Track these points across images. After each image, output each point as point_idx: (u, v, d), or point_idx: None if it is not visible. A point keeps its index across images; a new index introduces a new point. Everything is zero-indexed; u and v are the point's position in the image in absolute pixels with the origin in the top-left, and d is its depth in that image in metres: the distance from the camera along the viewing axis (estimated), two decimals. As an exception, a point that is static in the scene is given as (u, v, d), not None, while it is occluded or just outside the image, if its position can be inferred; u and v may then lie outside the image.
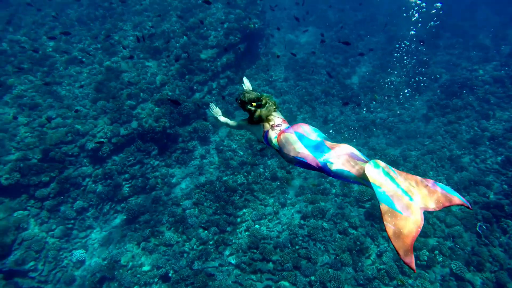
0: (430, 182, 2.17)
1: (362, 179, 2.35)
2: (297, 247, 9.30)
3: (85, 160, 10.68)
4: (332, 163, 2.51)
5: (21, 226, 9.20)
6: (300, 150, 2.74)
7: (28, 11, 14.34)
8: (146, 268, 9.37)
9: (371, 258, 8.97)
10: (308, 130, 2.87)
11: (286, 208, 10.71)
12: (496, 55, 17.18)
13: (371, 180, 2.17)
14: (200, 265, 9.20)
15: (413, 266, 1.86)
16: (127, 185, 11.08)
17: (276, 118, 3.19)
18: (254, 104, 3.16)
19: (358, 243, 9.13)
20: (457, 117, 13.78)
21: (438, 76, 16.41)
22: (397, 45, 18.31)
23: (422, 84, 15.99)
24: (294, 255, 9.03)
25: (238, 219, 10.32)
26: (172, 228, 10.19)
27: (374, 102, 15.82)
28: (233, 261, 9.25)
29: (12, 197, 9.47)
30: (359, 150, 2.66)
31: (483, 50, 18.17)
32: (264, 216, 10.39)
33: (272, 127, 3.10)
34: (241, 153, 12.57)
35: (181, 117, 12.49)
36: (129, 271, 9.32)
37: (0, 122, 10.31)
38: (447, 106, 14.42)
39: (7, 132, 10.14)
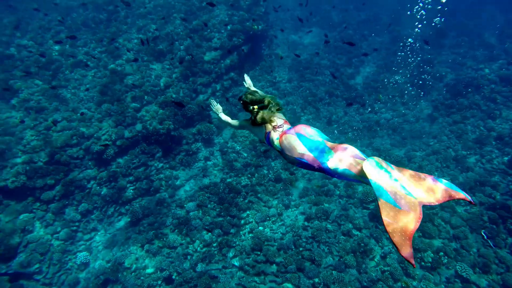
0: (430, 177, 2.16)
1: (362, 177, 2.38)
2: (300, 249, 9.27)
3: (90, 163, 10.78)
4: (333, 163, 2.53)
5: (26, 229, 9.31)
6: (302, 151, 2.76)
7: (35, 16, 14.54)
8: (149, 270, 9.42)
9: (375, 259, 8.91)
10: (309, 131, 2.88)
11: (290, 209, 10.69)
12: (502, 54, 16.98)
13: (369, 176, 2.19)
14: (203, 267, 9.21)
15: (413, 261, 1.87)
16: (132, 188, 11.16)
17: (278, 119, 3.20)
18: (256, 106, 3.17)
19: (362, 244, 9.07)
20: (463, 117, 13.63)
21: (443, 73, 16.27)
22: (401, 44, 18.20)
23: (427, 82, 15.86)
24: (297, 257, 9.00)
25: (242, 221, 10.32)
26: (176, 230, 10.22)
27: (378, 102, 15.73)
28: (236, 263, 9.25)
29: (18, 200, 9.59)
30: (363, 151, 2.67)
31: (489, 48, 17.96)
32: (268, 218, 10.38)
33: (274, 128, 3.11)
34: (245, 154, 12.58)
35: (185, 119, 12.55)
36: (132, 273, 9.37)
37: (7, 126, 10.45)
38: (452, 105, 14.29)
39: (14, 136, 10.28)
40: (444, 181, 2.14)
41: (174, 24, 14.61)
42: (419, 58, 17.16)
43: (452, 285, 8.15)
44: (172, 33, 14.18)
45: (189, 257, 9.59)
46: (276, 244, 9.48)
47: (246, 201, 10.85)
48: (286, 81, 17.22)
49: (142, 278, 9.22)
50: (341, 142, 2.71)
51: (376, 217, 9.79)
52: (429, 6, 15.45)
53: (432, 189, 2.11)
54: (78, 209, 10.25)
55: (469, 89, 14.53)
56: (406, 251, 1.87)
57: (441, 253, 8.72)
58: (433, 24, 18.75)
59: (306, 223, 10.03)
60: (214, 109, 3.83)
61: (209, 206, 10.73)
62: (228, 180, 11.51)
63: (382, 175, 2.18)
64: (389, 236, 1.94)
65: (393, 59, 18.18)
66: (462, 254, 8.70)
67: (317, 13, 24.22)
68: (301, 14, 17.79)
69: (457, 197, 2.08)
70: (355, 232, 9.59)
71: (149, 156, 11.65)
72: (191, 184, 11.85)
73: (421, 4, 15.86)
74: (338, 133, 14.22)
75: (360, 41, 20.71)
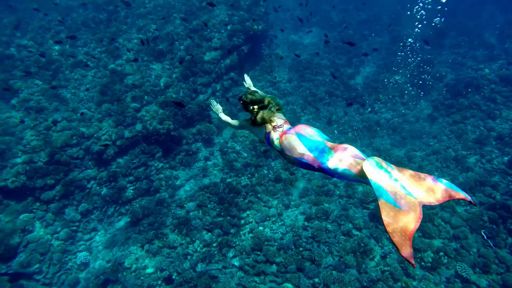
0: (430, 177, 2.16)
1: (362, 177, 2.38)
2: (300, 249, 9.27)
3: (90, 163, 10.78)
4: (333, 163, 2.53)
5: (26, 229, 9.31)
6: (302, 151, 2.76)
7: (35, 16, 14.54)
8: (149, 270, 9.42)
9: (375, 259, 8.91)
10: (309, 131, 2.88)
11: (290, 209, 10.69)
12: (502, 54, 16.98)
13: (369, 176, 2.19)
14: (203, 267, 9.21)
15: (413, 261, 1.87)
16: (132, 188, 11.16)
17: (278, 119, 3.19)
18: (256, 106, 3.16)
19: (362, 244, 9.07)
20: (463, 117, 13.63)
21: (443, 73, 16.27)
22: (401, 44, 18.19)
23: (427, 82, 15.86)
24: (297, 257, 9.00)
25: (242, 221, 10.32)
26: (176, 230, 10.22)
27: (378, 102, 15.73)
28: (236, 263, 9.25)
29: (18, 200, 9.59)
30: (363, 151, 2.67)
31: (489, 48, 17.95)
32: (268, 218, 10.38)
33: (274, 128, 3.11)
34: (245, 154, 12.58)
35: (185, 119, 12.55)
36: (132, 273, 9.37)
37: (7, 126, 10.45)
38: (452, 105, 14.29)
39: (14, 136, 10.28)
40: (444, 181, 2.14)
41: (174, 24, 14.61)
42: (419, 58, 17.15)
43: (452, 285, 8.15)
44: (172, 33, 14.18)
45: (189, 257, 9.58)
46: (276, 244, 9.48)
47: (246, 201, 10.85)
48: (286, 81, 17.22)
49: (142, 278, 9.22)
50: (341, 142, 2.72)
51: (376, 217, 9.79)
52: (429, 6, 15.45)
53: (432, 189, 2.12)
54: (78, 209, 10.25)
55: (469, 89, 14.53)
56: (406, 251, 1.87)
57: (441, 253, 8.72)
58: (433, 24, 18.75)
59: (306, 223, 10.03)
60: (214, 109, 3.83)
61: (209, 206, 10.73)
62: (228, 180, 11.50)
63: (382, 175, 2.19)
64: (389, 236, 1.94)
65: (393, 59, 18.18)
66: (462, 254, 8.70)
67: (317, 13, 24.22)
68: (301, 14, 17.80)
69: (457, 197, 2.08)
70: (355, 232, 9.59)
71: (149, 156, 11.65)
72: (191, 184, 11.85)
73: (421, 4, 15.85)
74: (338, 133, 14.22)
75: (360, 41, 20.71)
